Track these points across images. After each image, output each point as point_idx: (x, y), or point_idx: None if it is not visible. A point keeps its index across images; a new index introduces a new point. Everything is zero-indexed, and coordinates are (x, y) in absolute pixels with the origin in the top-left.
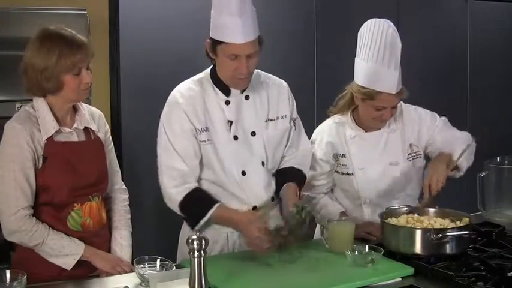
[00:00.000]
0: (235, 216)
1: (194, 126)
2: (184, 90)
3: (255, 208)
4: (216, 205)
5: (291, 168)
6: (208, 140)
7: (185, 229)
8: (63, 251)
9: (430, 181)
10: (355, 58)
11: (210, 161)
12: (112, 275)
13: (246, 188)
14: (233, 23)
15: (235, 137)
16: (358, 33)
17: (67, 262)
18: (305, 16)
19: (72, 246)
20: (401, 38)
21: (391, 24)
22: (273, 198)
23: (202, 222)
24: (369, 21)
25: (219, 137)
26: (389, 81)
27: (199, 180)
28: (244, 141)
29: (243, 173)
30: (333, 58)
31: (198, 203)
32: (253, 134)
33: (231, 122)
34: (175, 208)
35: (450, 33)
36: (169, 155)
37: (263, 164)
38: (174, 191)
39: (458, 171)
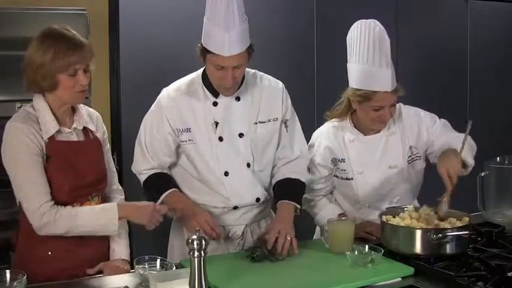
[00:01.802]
0: (178, 206)
1: (174, 127)
2: (172, 91)
3: (235, 208)
4: (169, 190)
5: (288, 180)
6: (189, 140)
7: (174, 227)
8: (99, 221)
9: (446, 168)
10: (347, 64)
11: (193, 160)
12: (113, 275)
13: (229, 188)
14: (220, 36)
15: (220, 138)
16: (347, 38)
17: (110, 230)
18: (305, 17)
19: (106, 214)
20: (400, 38)
21: (378, 23)
22: (258, 199)
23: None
24: (356, 23)
25: (203, 138)
26: (383, 79)
27: (186, 175)
28: (230, 142)
29: (226, 174)
30: (333, 59)
31: (156, 185)
32: (241, 135)
33: (217, 123)
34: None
35: (450, 33)
36: (141, 151)
37: (248, 165)
38: (141, 176)
39: (465, 168)
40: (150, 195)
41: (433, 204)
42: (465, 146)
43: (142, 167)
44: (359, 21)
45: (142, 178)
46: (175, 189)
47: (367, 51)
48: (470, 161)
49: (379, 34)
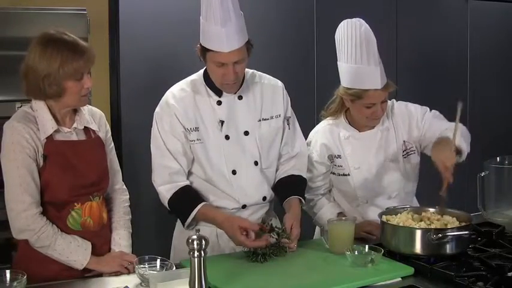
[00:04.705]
0: (218, 216)
1: (184, 126)
2: (176, 92)
3: (244, 207)
4: (201, 204)
5: (291, 177)
6: (198, 139)
7: (179, 228)
8: (71, 257)
9: (442, 160)
10: (337, 62)
11: (200, 159)
12: (116, 275)
13: (237, 187)
14: (217, 32)
15: (227, 137)
16: (335, 37)
17: (75, 266)
18: (305, 16)
19: (79, 253)
20: (400, 38)
21: (363, 22)
22: (264, 198)
23: (189, 220)
24: (342, 23)
25: (210, 137)
26: (372, 77)
27: (192, 176)
28: (237, 140)
29: (234, 172)
30: (333, 58)
31: (185, 201)
32: (246, 133)
33: (223, 122)
34: (166, 205)
35: (450, 33)
36: (161, 153)
37: (256, 163)
38: (164, 188)
39: (460, 156)
40: (179, 211)
41: (433, 203)
42: (457, 133)
43: (165, 172)
44: (344, 20)
45: (167, 194)
46: (204, 202)
47: (354, 51)
48: (464, 147)
49: (365, 33)
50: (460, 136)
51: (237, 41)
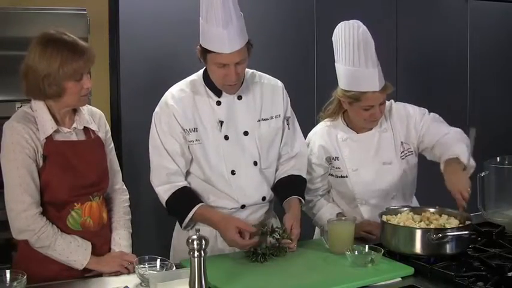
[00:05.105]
0: (215, 216)
1: (182, 127)
2: (175, 92)
3: (243, 207)
4: (198, 205)
5: (291, 177)
6: (197, 140)
7: (178, 228)
8: (71, 257)
9: (459, 190)
10: (335, 64)
11: (199, 160)
12: (116, 275)
13: (236, 187)
14: (219, 34)
15: (226, 137)
16: (332, 39)
17: (75, 266)
18: (305, 16)
19: (79, 253)
20: (400, 38)
21: (361, 24)
22: (264, 198)
23: (186, 220)
24: (339, 25)
25: (209, 137)
26: (370, 80)
27: (190, 177)
28: (236, 140)
29: (233, 172)
30: (333, 58)
31: (182, 201)
32: (245, 133)
33: (222, 122)
34: (164, 205)
35: (450, 33)
36: (159, 154)
37: (255, 163)
38: (161, 188)
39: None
40: (176, 212)
41: (433, 203)
42: (465, 150)
43: (162, 172)
44: (342, 22)
45: (165, 195)
46: (202, 203)
47: (352, 53)
48: (473, 163)
49: (362, 35)
50: (469, 155)
51: (238, 42)
